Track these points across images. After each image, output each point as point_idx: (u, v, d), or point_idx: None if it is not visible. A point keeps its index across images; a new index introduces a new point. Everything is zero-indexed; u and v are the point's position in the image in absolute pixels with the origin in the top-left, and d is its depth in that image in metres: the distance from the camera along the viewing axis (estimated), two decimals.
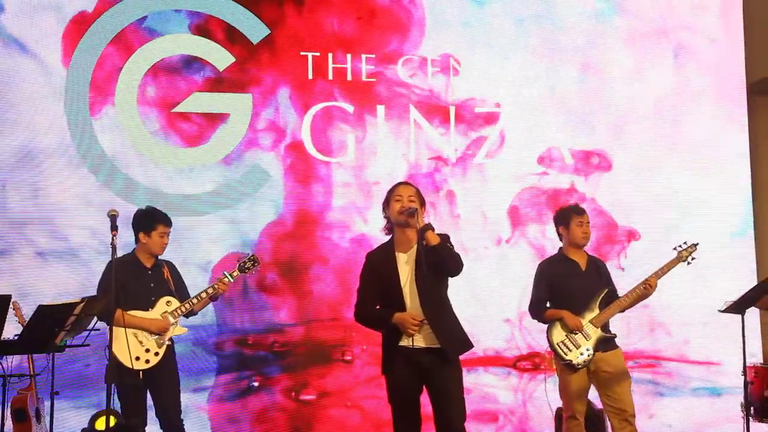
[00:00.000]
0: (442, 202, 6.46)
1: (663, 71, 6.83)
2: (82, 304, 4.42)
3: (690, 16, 6.89)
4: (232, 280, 4.90)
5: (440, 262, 3.96)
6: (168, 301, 4.79)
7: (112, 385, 4.23)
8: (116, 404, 4.60)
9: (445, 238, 4.07)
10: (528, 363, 6.44)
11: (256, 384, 6.13)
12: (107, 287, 4.49)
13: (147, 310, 4.74)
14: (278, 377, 6.18)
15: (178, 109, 6.23)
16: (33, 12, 6.07)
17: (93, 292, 4.86)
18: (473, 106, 6.60)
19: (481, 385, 6.31)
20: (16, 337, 4.70)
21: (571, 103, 6.69)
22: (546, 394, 5.30)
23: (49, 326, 4.40)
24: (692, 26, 6.89)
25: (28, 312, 4.73)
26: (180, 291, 4.91)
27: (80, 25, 6.13)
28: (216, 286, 4.84)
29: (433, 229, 3.99)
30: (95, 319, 4.61)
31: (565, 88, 6.70)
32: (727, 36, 6.92)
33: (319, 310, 6.25)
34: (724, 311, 5.25)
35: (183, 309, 4.78)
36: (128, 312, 4.67)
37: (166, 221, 4.88)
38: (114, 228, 4.40)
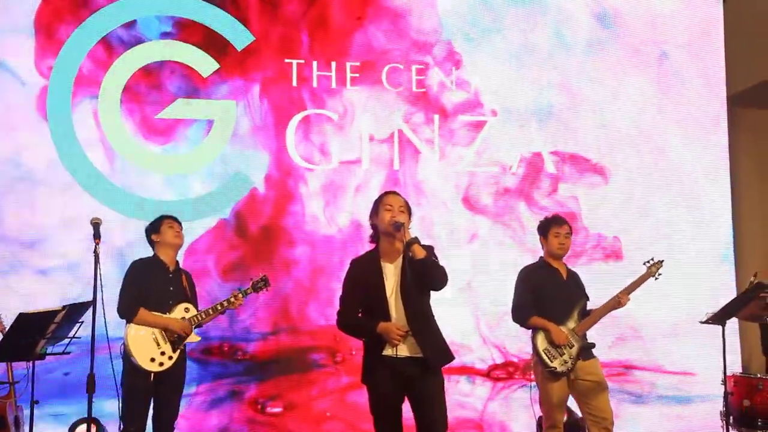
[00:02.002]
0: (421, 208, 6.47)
1: (645, 83, 6.90)
2: (63, 312, 4.39)
3: (671, 31, 6.96)
4: (245, 297, 4.92)
5: (426, 275, 3.97)
6: (186, 308, 4.79)
7: (118, 390, 4.28)
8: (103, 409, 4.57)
9: (430, 250, 4.08)
10: (502, 372, 6.47)
11: (230, 393, 6.11)
12: (129, 286, 4.67)
13: (165, 313, 4.73)
14: (251, 386, 6.17)
15: (162, 115, 6.21)
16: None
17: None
18: (458, 113, 6.62)
19: (458, 394, 6.32)
20: None
21: (557, 115, 6.75)
22: (531, 403, 5.29)
23: (30, 334, 4.36)
24: (673, 40, 6.96)
25: (9, 321, 4.68)
26: (193, 302, 4.91)
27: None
28: (231, 301, 4.85)
29: (419, 243, 4.00)
30: (76, 326, 4.58)
31: (549, 99, 6.75)
32: (708, 49, 7.00)
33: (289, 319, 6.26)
34: (705, 322, 5.30)
35: (199, 318, 4.78)
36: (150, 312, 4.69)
37: (171, 216, 4.92)
38: (97, 236, 4.37)
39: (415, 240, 3.97)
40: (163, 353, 4.66)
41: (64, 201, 6.02)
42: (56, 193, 6.03)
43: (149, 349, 4.62)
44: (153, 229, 4.87)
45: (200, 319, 4.78)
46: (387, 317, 4.00)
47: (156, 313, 4.69)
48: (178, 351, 4.71)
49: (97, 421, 5.37)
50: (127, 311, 4.66)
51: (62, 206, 6.01)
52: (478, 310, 6.45)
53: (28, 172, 6.01)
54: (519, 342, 6.17)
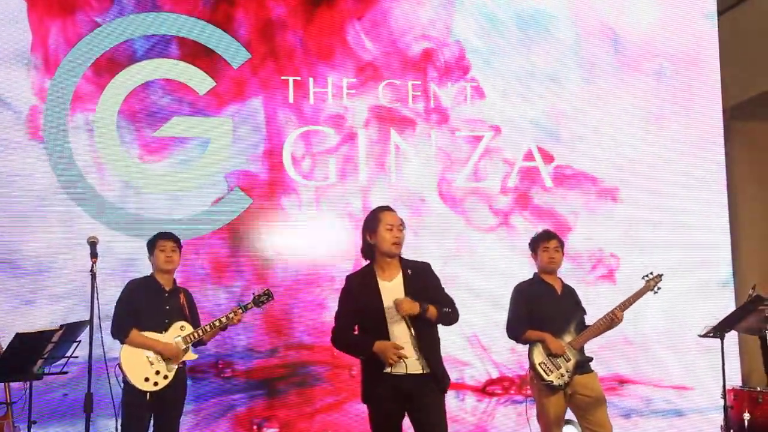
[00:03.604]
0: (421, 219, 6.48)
1: (642, 95, 6.93)
2: (60, 332, 4.38)
3: (667, 43, 6.99)
4: (245, 312, 4.89)
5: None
6: (182, 326, 4.76)
7: (119, 412, 4.28)
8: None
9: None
10: (498, 387, 6.45)
11: (224, 412, 6.08)
12: (121, 307, 4.67)
13: (161, 332, 4.71)
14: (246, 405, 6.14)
15: (159, 133, 6.22)
16: None
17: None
18: (455, 130, 6.64)
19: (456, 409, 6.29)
20: None
21: (555, 131, 6.78)
22: (528, 420, 5.27)
23: (27, 354, 4.35)
24: (668, 53, 6.99)
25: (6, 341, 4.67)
26: (193, 319, 4.88)
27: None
28: (229, 317, 4.82)
29: (430, 307, 3.96)
30: (73, 346, 4.57)
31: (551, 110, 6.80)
32: (703, 62, 7.03)
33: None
34: (704, 335, 5.30)
35: (196, 335, 4.75)
36: (142, 333, 4.66)
37: (165, 236, 4.86)
38: (94, 255, 4.37)
39: (426, 308, 3.95)
40: (157, 372, 4.64)
41: (61, 223, 6.01)
42: (53, 215, 6.01)
43: (143, 368, 4.61)
44: (149, 249, 4.86)
45: (196, 337, 4.75)
46: (385, 335, 3.96)
47: (148, 334, 4.66)
48: (174, 370, 4.69)
49: None
50: (119, 332, 4.65)
51: (60, 229, 5.99)
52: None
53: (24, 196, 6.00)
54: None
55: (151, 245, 4.84)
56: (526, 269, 5.14)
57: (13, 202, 5.97)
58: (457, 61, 6.70)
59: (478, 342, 6.41)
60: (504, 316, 4.98)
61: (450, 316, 4.08)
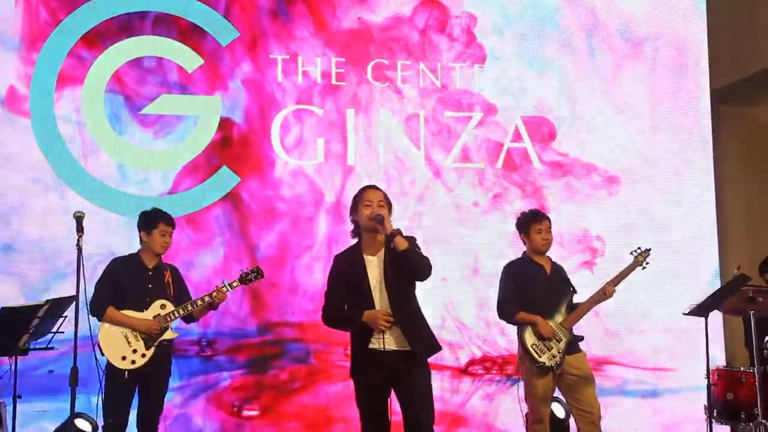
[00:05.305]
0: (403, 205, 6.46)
1: (630, 78, 6.94)
2: (46, 307, 4.37)
3: (655, 25, 7.01)
4: (230, 290, 4.85)
5: (408, 266, 3.99)
6: (162, 305, 4.73)
7: (99, 385, 4.32)
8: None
9: (412, 241, 4.09)
10: (479, 367, 6.47)
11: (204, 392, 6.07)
12: (101, 284, 4.69)
13: (141, 311, 4.68)
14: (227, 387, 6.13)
15: (147, 110, 6.18)
16: None
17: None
18: (442, 112, 6.64)
19: (440, 389, 6.29)
20: None
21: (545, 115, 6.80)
22: (518, 400, 5.27)
23: (12, 329, 4.33)
24: (657, 35, 7.00)
25: None
26: (180, 296, 4.85)
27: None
28: (213, 295, 4.78)
29: (401, 234, 4.00)
30: (59, 321, 4.55)
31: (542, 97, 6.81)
32: (692, 43, 7.05)
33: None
34: (688, 314, 5.33)
35: (176, 314, 4.72)
36: (121, 311, 4.64)
37: (168, 221, 4.83)
38: (80, 229, 4.34)
39: (397, 231, 3.99)
40: (135, 351, 4.63)
41: (49, 199, 5.98)
42: (39, 192, 5.98)
43: (120, 347, 4.60)
44: (145, 227, 4.80)
45: (178, 314, 4.73)
46: (372, 309, 4.00)
47: (126, 312, 4.65)
48: (152, 348, 4.67)
49: (89, 417, 5.37)
50: (97, 310, 4.64)
51: (46, 204, 5.96)
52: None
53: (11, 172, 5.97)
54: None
55: (151, 224, 4.79)
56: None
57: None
58: (448, 41, 6.69)
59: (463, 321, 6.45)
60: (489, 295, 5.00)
61: (421, 257, 4.03)
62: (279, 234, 6.31)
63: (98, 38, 6.15)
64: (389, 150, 6.52)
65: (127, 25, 6.21)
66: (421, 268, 4.02)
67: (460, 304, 6.43)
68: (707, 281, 6.72)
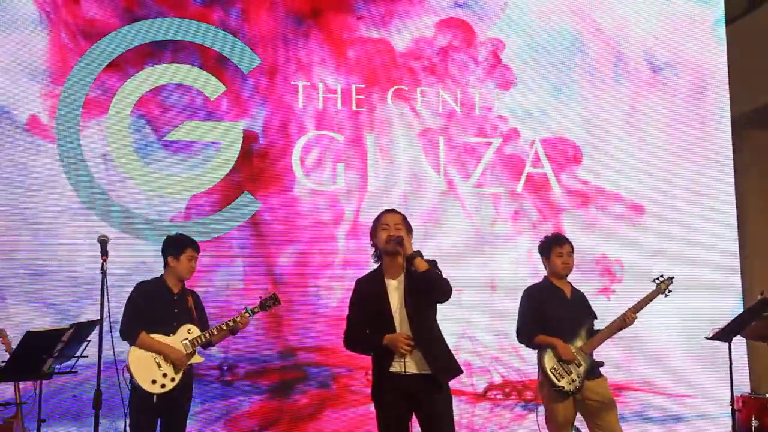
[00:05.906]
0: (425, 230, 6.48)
1: (651, 104, 6.96)
2: (71, 331, 4.40)
3: (675, 51, 7.03)
4: (252, 316, 4.91)
5: (429, 288, 4.00)
6: (189, 329, 4.77)
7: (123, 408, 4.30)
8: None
9: (433, 264, 4.10)
10: (498, 392, 6.44)
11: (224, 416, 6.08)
12: (130, 308, 4.68)
13: (168, 335, 4.72)
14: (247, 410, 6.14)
15: (170, 137, 6.27)
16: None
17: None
18: (461, 137, 6.67)
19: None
20: (2, 364, 4.65)
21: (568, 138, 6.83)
22: (538, 425, 5.24)
23: (37, 353, 4.37)
24: (678, 61, 7.03)
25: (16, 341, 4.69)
26: (201, 321, 4.89)
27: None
28: (236, 320, 4.83)
29: (421, 256, 4.02)
30: (84, 345, 4.59)
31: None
32: (712, 70, 7.06)
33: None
34: (711, 338, 5.28)
35: (203, 338, 4.77)
36: (150, 335, 4.68)
37: (194, 246, 4.88)
38: (104, 253, 4.39)
39: (417, 253, 4.00)
40: (165, 375, 4.65)
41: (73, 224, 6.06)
42: (64, 217, 6.06)
43: (150, 371, 4.62)
44: (173, 253, 4.83)
45: (202, 339, 4.77)
46: (392, 333, 4.01)
47: (157, 337, 4.68)
48: (180, 372, 4.69)
49: None
50: (129, 334, 4.66)
51: (71, 229, 6.04)
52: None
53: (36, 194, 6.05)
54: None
55: (179, 250, 4.81)
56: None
57: (30, 206, 6.04)
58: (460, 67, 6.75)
59: (482, 345, 6.43)
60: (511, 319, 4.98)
61: (441, 279, 4.04)
62: (298, 255, 6.35)
63: (122, 67, 6.26)
64: (409, 174, 6.56)
65: (150, 54, 6.32)
66: (441, 290, 4.03)
67: (477, 332, 6.42)
68: (731, 308, 6.65)
